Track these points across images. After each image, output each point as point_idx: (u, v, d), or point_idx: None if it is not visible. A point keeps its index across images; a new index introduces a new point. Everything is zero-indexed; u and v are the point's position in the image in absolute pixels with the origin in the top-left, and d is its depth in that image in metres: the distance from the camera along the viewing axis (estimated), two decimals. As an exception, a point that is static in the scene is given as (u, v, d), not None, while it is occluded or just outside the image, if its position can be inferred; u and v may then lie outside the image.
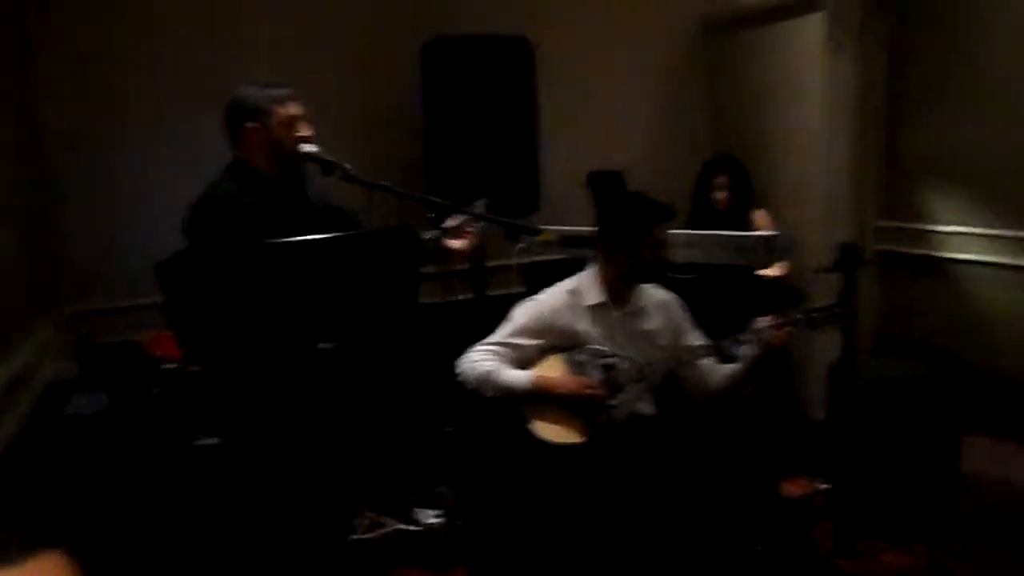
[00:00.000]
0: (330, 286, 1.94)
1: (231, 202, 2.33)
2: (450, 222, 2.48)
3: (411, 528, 3.21)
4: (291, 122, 2.36)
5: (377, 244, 2.00)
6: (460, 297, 3.83)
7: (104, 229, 3.35)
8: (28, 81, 3.18)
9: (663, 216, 2.53)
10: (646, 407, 2.62)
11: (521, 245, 3.18)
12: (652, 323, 2.64)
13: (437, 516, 3.24)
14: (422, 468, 3.36)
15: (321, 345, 2.08)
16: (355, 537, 3.11)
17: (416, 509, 3.29)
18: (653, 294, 2.67)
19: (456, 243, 2.50)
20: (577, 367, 2.54)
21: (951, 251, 4.17)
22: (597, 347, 2.56)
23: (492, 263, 3.61)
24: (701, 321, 2.73)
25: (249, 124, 2.36)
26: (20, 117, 3.06)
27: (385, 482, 3.36)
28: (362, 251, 2.00)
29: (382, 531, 3.19)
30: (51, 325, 3.10)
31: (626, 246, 2.52)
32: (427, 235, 2.42)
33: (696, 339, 2.67)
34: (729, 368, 2.60)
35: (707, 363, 2.65)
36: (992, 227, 3.96)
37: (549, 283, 2.70)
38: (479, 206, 2.82)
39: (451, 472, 3.28)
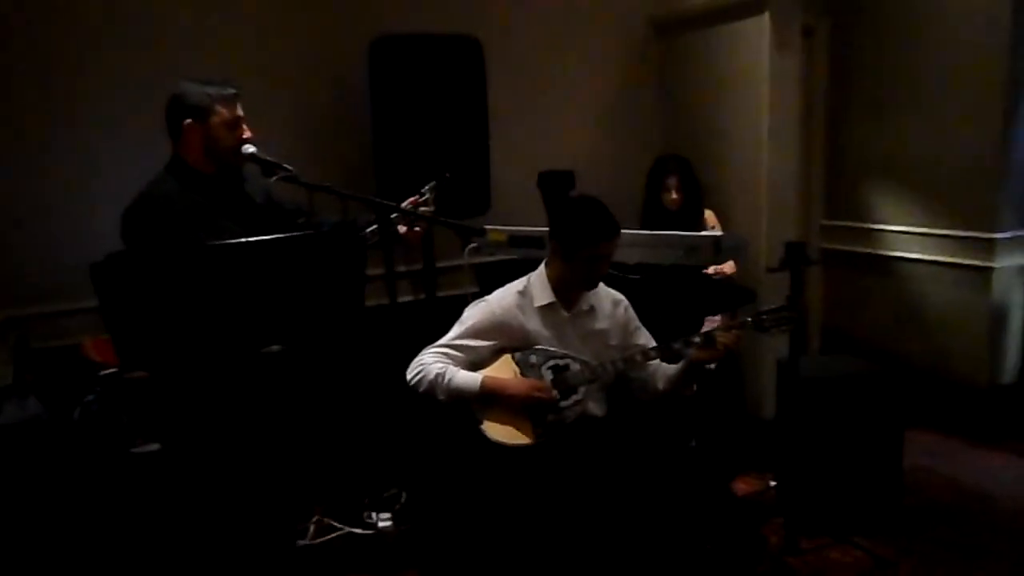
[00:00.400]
0: (272, 288, 1.90)
1: (170, 201, 2.31)
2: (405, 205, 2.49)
3: (362, 532, 3.17)
4: (233, 123, 2.34)
5: (320, 245, 1.96)
6: (411, 298, 3.83)
7: (40, 230, 3.22)
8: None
9: (609, 234, 2.49)
10: (597, 408, 2.61)
11: (472, 245, 3.17)
12: (602, 323, 2.64)
13: (387, 520, 3.20)
14: (374, 471, 3.32)
15: (266, 349, 2.06)
16: (304, 542, 3.06)
17: (367, 512, 3.25)
18: (602, 294, 2.67)
19: (405, 227, 2.52)
20: (528, 368, 2.52)
21: (895, 249, 4.27)
22: (548, 348, 2.54)
23: (443, 264, 3.58)
24: (650, 321, 2.74)
25: (188, 121, 2.34)
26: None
27: (336, 486, 3.32)
28: (305, 252, 1.95)
29: (332, 535, 3.15)
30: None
31: (564, 251, 2.51)
32: (375, 225, 2.40)
33: (645, 339, 2.67)
34: (673, 369, 2.61)
35: (654, 364, 2.66)
36: (935, 227, 4.06)
37: (502, 283, 2.68)
38: (427, 188, 2.81)
39: (402, 475, 3.24)
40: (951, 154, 3.91)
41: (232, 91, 2.39)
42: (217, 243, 1.89)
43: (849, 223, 4.48)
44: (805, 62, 4.27)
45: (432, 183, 2.81)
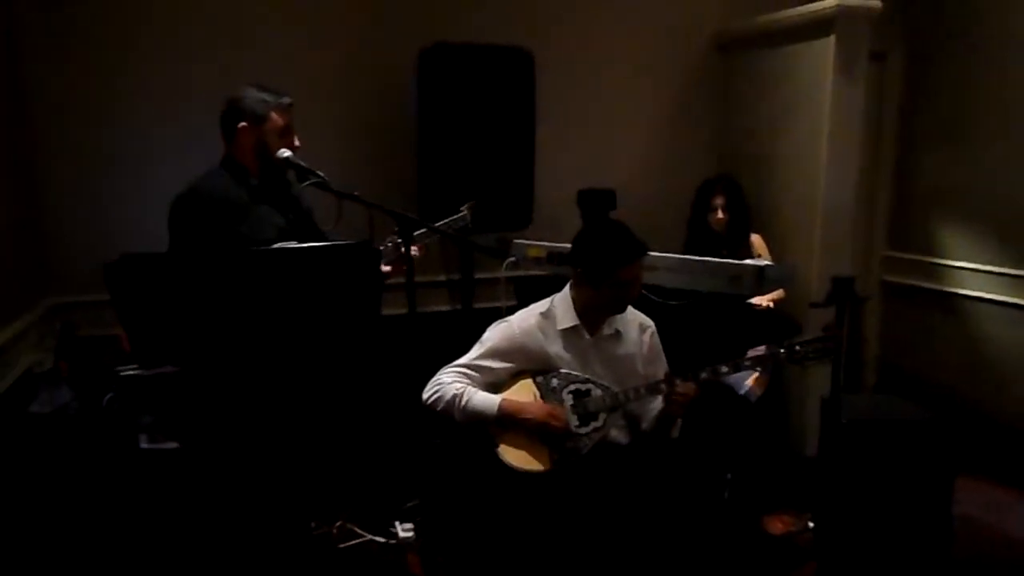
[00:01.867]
0: (285, 297, 1.89)
1: (215, 196, 2.39)
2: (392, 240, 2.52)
3: (385, 540, 3.16)
4: (285, 131, 2.42)
5: (335, 258, 1.95)
6: (448, 308, 3.82)
7: (92, 219, 3.31)
8: (14, 70, 3.16)
9: (629, 258, 2.42)
10: (621, 436, 2.54)
11: (511, 259, 3.13)
12: (627, 348, 2.56)
13: (410, 530, 3.19)
14: (402, 480, 3.31)
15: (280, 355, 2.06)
16: (324, 545, 3.07)
17: (392, 522, 3.25)
18: (629, 318, 2.59)
19: (387, 268, 2.55)
20: (549, 392, 2.47)
21: (960, 287, 4.08)
22: (571, 371, 2.48)
23: (480, 275, 3.55)
24: (689, 349, 2.65)
25: (243, 124, 2.43)
26: (4, 105, 3.05)
27: (363, 493, 3.32)
28: (320, 264, 1.95)
29: (353, 542, 3.15)
30: (31, 315, 3.08)
31: (590, 281, 2.45)
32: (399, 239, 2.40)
33: (661, 371, 2.58)
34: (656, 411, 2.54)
35: (659, 400, 2.57)
36: (1005, 265, 3.86)
37: (541, 298, 2.64)
38: (463, 211, 2.80)
39: (423, 488, 3.22)
40: (1026, 191, 3.70)
41: (288, 101, 2.48)
42: (228, 251, 1.91)
43: (914, 256, 4.29)
44: (875, 87, 4.11)
45: (471, 203, 2.81)
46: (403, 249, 2.21)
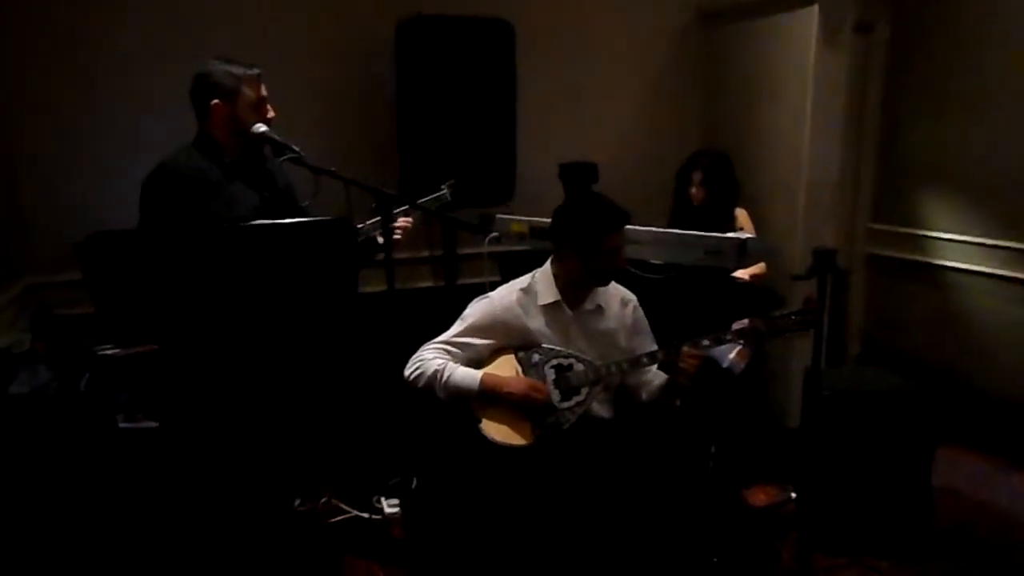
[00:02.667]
0: (261, 274, 1.87)
1: (190, 173, 2.36)
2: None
3: (369, 516, 3.17)
4: (258, 103, 2.38)
5: (311, 234, 1.92)
6: (432, 284, 3.80)
7: (68, 198, 3.27)
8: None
9: (615, 225, 2.42)
10: (603, 410, 2.54)
11: (493, 234, 3.11)
12: (609, 322, 2.56)
13: (395, 506, 3.19)
14: (386, 457, 3.31)
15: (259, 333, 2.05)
16: (307, 520, 3.08)
17: (376, 497, 3.25)
18: (611, 292, 2.59)
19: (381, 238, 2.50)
20: (531, 367, 2.47)
21: (944, 258, 4.08)
22: (552, 346, 2.48)
23: (463, 251, 3.53)
24: (673, 322, 2.65)
25: (215, 101, 2.38)
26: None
27: (347, 470, 3.32)
28: (296, 240, 1.92)
29: (339, 517, 3.16)
30: (7, 295, 3.04)
31: (576, 252, 2.44)
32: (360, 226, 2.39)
33: (646, 342, 2.60)
34: (657, 381, 2.55)
35: (652, 372, 2.58)
36: (988, 236, 3.87)
37: (525, 272, 2.62)
38: (443, 189, 2.78)
39: (407, 464, 3.23)
40: (1011, 161, 3.69)
41: (256, 71, 2.43)
42: (201, 227, 1.88)
43: (898, 228, 4.29)
44: (861, 59, 4.08)
45: (451, 181, 2.79)
46: (383, 225, 2.19)
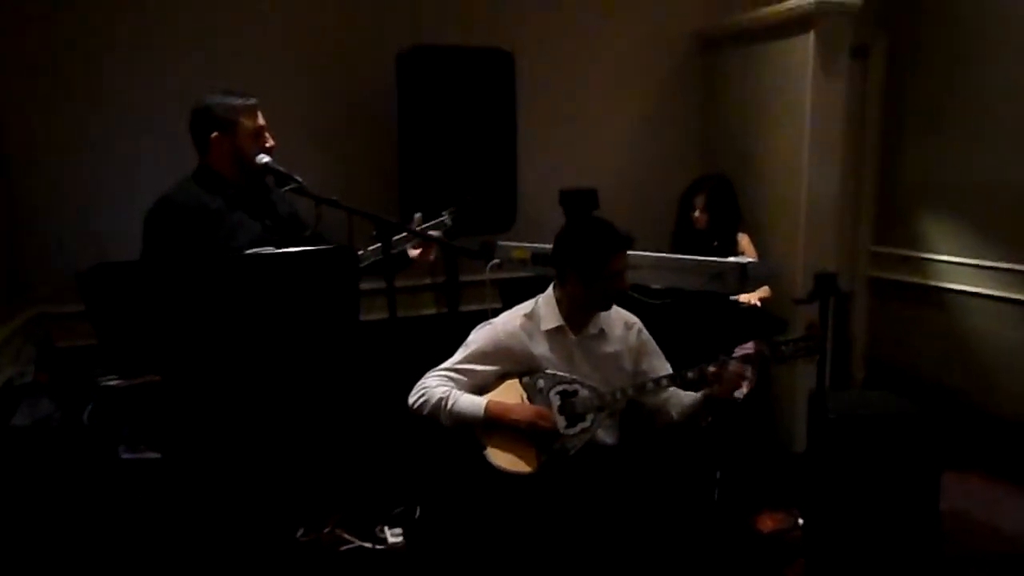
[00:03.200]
0: (263, 303, 1.87)
1: (192, 205, 2.36)
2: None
3: (373, 546, 3.14)
4: (257, 133, 2.38)
5: (313, 263, 1.93)
6: (435, 311, 3.80)
7: (70, 230, 3.28)
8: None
9: (618, 247, 2.42)
10: (608, 436, 2.52)
11: (495, 261, 3.12)
12: (613, 346, 2.55)
13: (398, 535, 3.17)
14: (390, 486, 3.29)
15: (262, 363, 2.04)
16: (311, 550, 3.05)
17: (379, 527, 3.22)
18: (614, 316, 2.58)
19: (415, 252, 2.59)
20: (536, 393, 2.46)
21: (948, 281, 4.08)
22: (556, 372, 2.47)
23: (465, 279, 3.53)
24: (675, 347, 2.64)
25: (215, 134, 2.39)
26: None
27: (350, 499, 3.29)
28: (298, 269, 1.93)
29: (343, 547, 3.13)
30: (9, 327, 3.04)
31: (580, 276, 2.43)
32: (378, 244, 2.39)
33: (659, 363, 2.58)
34: (688, 398, 2.50)
35: (672, 391, 2.56)
36: (991, 259, 3.87)
37: (526, 298, 2.62)
38: (443, 216, 2.79)
39: (412, 492, 3.20)
40: (1011, 185, 3.70)
41: (253, 101, 2.44)
42: (204, 257, 1.88)
43: (900, 251, 4.30)
44: (858, 83, 4.11)
45: (452, 208, 2.80)
46: (383, 252, 2.19)
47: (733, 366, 2.35)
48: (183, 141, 2.49)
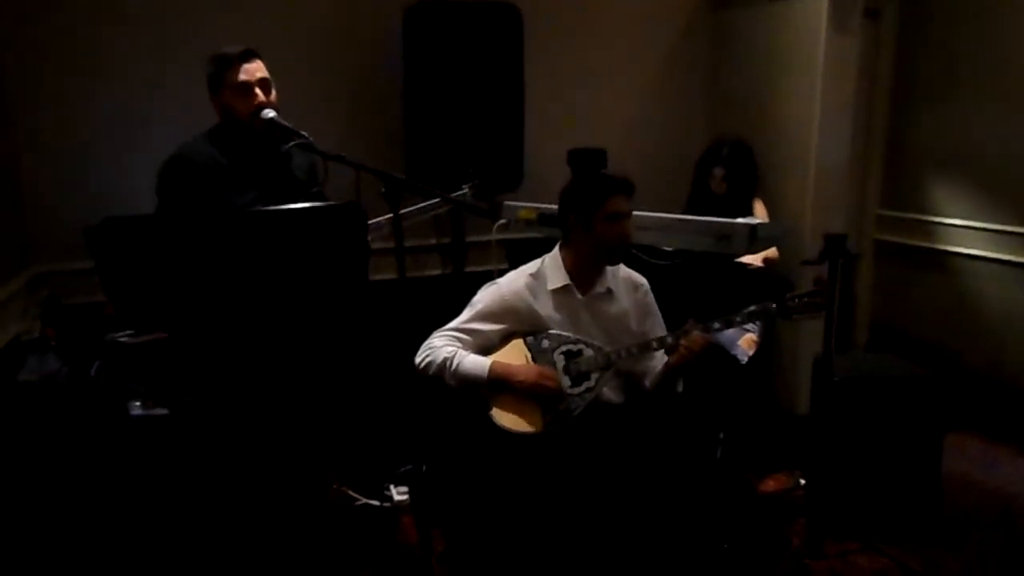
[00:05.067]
0: (271, 259, 1.87)
1: (201, 161, 2.37)
2: None
3: (380, 504, 3.16)
4: (242, 88, 2.34)
5: (321, 219, 1.91)
6: (440, 272, 3.79)
7: (75, 185, 3.25)
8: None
9: (616, 188, 2.40)
10: (614, 395, 2.53)
11: (501, 221, 3.10)
12: (619, 306, 2.55)
13: (404, 493, 3.19)
14: (395, 445, 3.31)
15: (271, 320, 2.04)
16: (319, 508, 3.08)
17: (387, 485, 3.25)
18: (622, 276, 2.57)
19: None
20: (540, 353, 2.46)
21: (954, 245, 4.07)
22: (561, 332, 2.47)
23: (471, 239, 3.51)
24: (682, 308, 2.63)
25: (212, 95, 2.42)
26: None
27: (357, 457, 3.32)
28: (306, 225, 1.91)
29: (351, 506, 3.16)
30: (16, 284, 3.04)
31: (582, 221, 2.42)
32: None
33: (655, 325, 2.59)
34: (659, 367, 2.53)
35: (659, 358, 2.57)
36: (998, 222, 3.85)
37: (532, 259, 2.61)
38: (464, 189, 2.77)
39: (418, 451, 3.23)
40: (1019, 146, 3.67)
41: (235, 53, 2.40)
42: (212, 213, 1.87)
43: (907, 214, 4.27)
44: (868, 45, 4.05)
45: (472, 181, 2.76)
46: (392, 209, 2.17)
47: (693, 335, 2.37)
48: (190, 96, 2.49)
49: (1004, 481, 3.41)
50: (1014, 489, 3.34)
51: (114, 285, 1.77)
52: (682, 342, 2.38)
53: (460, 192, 2.76)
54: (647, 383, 2.56)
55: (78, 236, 3.16)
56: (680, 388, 2.57)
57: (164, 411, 2.37)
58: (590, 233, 2.41)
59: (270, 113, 2.37)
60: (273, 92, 2.44)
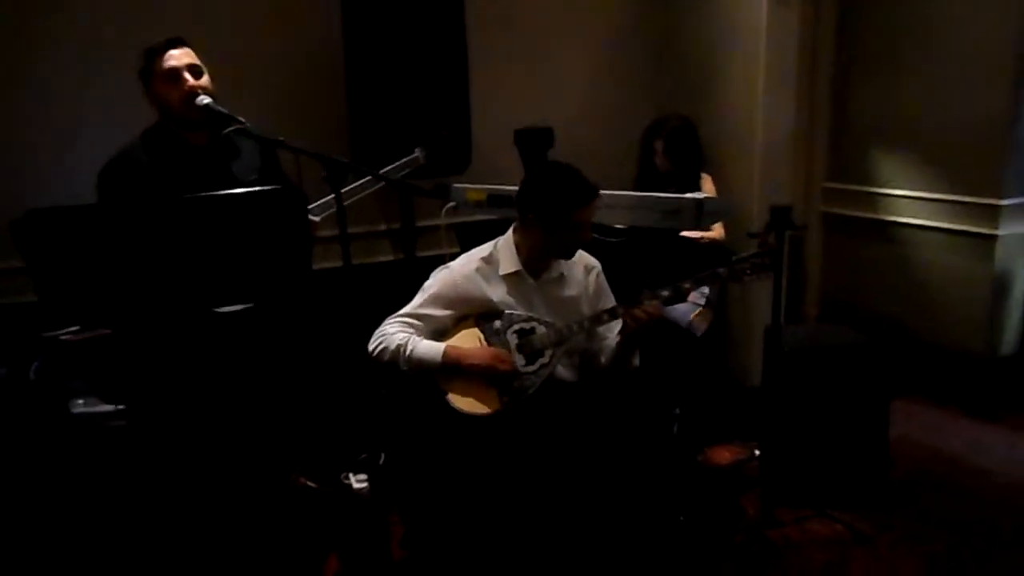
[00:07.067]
0: (201, 249, 1.81)
1: (133, 164, 2.30)
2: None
3: (338, 492, 3.14)
4: (170, 74, 2.28)
5: (258, 204, 1.86)
6: (392, 258, 3.75)
7: (7, 186, 3.13)
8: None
9: (585, 199, 2.37)
10: (568, 373, 2.54)
11: (450, 204, 3.07)
12: (572, 290, 2.55)
13: (363, 481, 3.17)
14: (352, 432, 3.28)
15: (217, 308, 2.00)
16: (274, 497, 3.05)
17: (343, 474, 3.22)
18: (576, 259, 2.56)
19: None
20: (493, 334, 2.45)
21: (898, 215, 4.13)
22: (513, 312, 2.46)
23: (421, 223, 3.48)
24: (632, 284, 2.64)
25: (145, 89, 2.35)
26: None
27: (313, 447, 3.28)
28: (243, 211, 1.86)
29: (309, 495, 3.13)
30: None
31: (543, 225, 2.40)
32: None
33: (609, 305, 2.58)
34: (613, 342, 2.53)
35: (613, 336, 2.57)
36: (939, 192, 3.91)
37: (484, 242, 2.59)
38: (416, 154, 2.71)
39: (375, 438, 3.20)
40: (959, 117, 3.74)
41: (161, 43, 2.34)
42: (141, 200, 1.81)
43: (852, 186, 4.33)
44: (810, 17, 4.08)
45: (424, 145, 2.71)
46: (334, 194, 2.13)
47: (647, 302, 2.37)
48: (122, 94, 2.41)
49: (948, 442, 3.51)
50: (958, 449, 3.44)
51: (43, 280, 1.70)
52: (635, 310, 2.36)
53: (411, 156, 2.70)
54: (603, 360, 2.56)
55: (6, 234, 3.08)
56: (637, 362, 2.56)
57: (108, 408, 2.31)
58: (551, 234, 2.40)
59: (205, 99, 2.31)
60: (205, 77, 2.37)
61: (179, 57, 2.31)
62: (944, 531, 2.83)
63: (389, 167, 2.63)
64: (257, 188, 1.97)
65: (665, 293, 2.41)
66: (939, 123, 3.84)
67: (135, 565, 2.26)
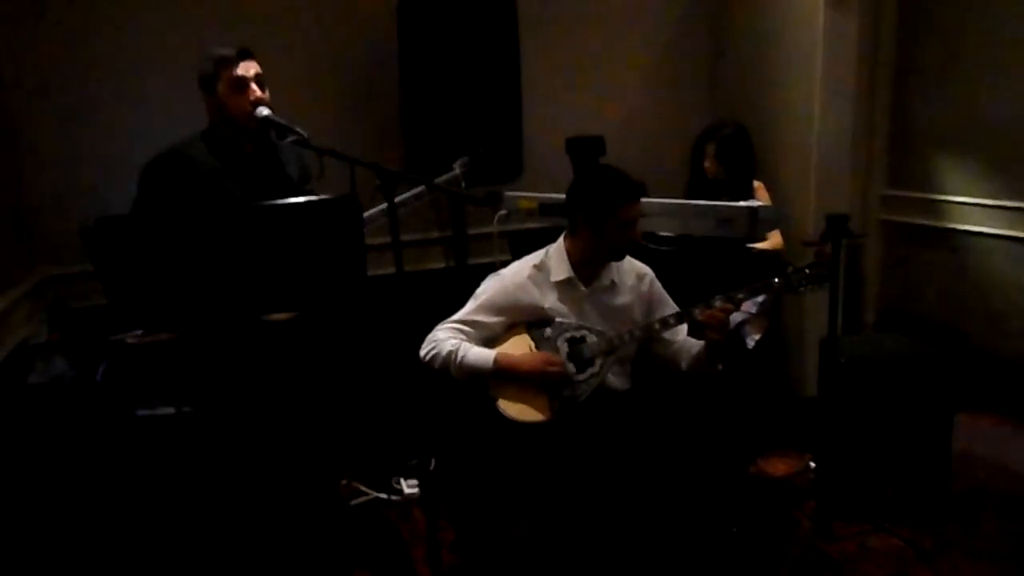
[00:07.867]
0: (263, 256, 1.86)
1: (189, 162, 2.36)
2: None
3: (388, 497, 3.18)
4: (237, 83, 2.34)
5: (317, 213, 1.91)
6: (444, 265, 3.79)
7: (77, 189, 3.25)
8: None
9: (630, 196, 2.39)
10: (619, 382, 2.53)
11: (502, 212, 3.09)
12: (624, 297, 2.54)
13: (414, 486, 3.21)
14: (405, 438, 3.32)
15: (268, 316, 2.05)
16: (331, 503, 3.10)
17: (396, 478, 3.26)
18: (626, 267, 2.56)
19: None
20: (543, 342, 2.46)
21: (960, 222, 4.02)
22: (564, 320, 2.46)
23: (473, 231, 3.51)
24: (686, 294, 2.62)
25: (206, 94, 2.39)
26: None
27: (365, 452, 3.33)
28: (302, 219, 1.91)
29: (360, 500, 3.17)
30: (21, 289, 3.05)
31: (591, 225, 2.41)
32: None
33: (668, 311, 2.56)
34: (696, 347, 2.50)
35: (682, 340, 2.55)
36: (1004, 198, 3.80)
37: (535, 250, 2.60)
38: (455, 169, 2.75)
39: (426, 445, 3.23)
40: (1024, 124, 3.63)
41: (229, 51, 2.39)
42: (206, 209, 1.87)
43: (913, 193, 4.23)
44: (869, 21, 4.01)
45: (464, 159, 2.75)
46: (387, 202, 2.16)
47: (718, 304, 2.35)
48: (182, 96, 2.47)
49: (1012, 456, 3.39)
50: (1022, 466, 3.32)
51: (112, 284, 1.77)
52: (705, 319, 2.34)
53: (451, 174, 2.73)
54: (683, 365, 2.53)
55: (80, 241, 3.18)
56: (721, 368, 2.52)
57: (170, 410, 2.39)
58: (599, 234, 2.40)
59: (264, 111, 2.37)
60: (266, 91, 2.43)
61: (248, 68, 2.37)
62: (1006, 548, 2.74)
63: (424, 186, 2.65)
64: (324, 196, 2.01)
65: (718, 303, 2.38)
66: (1003, 129, 3.73)
67: (182, 566, 2.32)
